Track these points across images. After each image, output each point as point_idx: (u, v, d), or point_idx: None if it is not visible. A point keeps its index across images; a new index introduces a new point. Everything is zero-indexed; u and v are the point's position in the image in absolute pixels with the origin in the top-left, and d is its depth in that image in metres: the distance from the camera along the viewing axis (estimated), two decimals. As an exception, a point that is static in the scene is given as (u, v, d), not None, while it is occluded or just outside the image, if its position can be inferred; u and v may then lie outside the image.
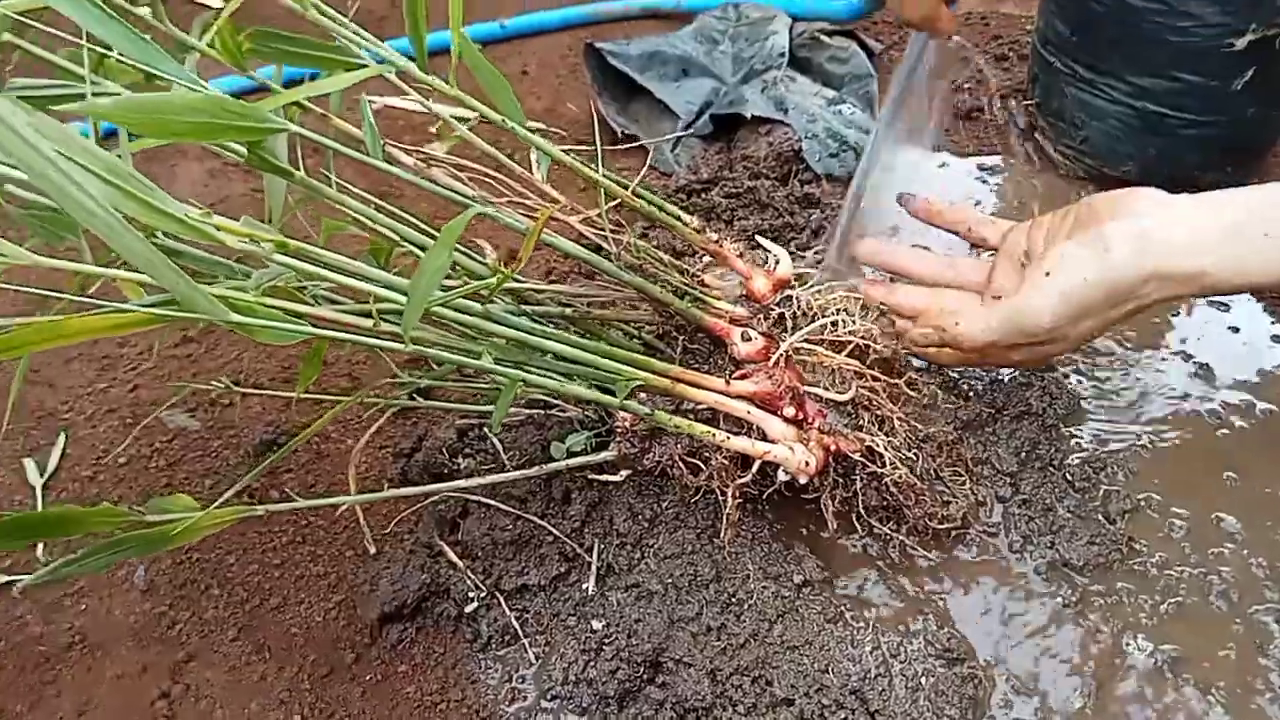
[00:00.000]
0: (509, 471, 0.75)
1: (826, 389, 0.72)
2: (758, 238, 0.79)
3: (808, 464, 0.70)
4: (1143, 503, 0.79)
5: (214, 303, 0.48)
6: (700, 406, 0.70)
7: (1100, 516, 0.78)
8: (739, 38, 1.30)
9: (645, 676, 0.70)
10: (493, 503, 0.78)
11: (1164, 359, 0.92)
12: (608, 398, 0.66)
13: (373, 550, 0.80)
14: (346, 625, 0.77)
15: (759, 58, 1.22)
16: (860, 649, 0.70)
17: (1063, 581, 0.75)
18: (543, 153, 0.71)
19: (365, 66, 0.61)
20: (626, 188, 0.74)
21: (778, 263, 0.75)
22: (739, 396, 0.70)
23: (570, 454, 0.77)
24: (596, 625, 0.73)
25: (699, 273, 0.79)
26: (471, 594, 0.76)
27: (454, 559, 0.77)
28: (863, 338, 0.73)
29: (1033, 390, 0.85)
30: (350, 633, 0.76)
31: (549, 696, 0.71)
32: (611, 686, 0.69)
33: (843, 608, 0.73)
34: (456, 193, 0.70)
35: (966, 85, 1.26)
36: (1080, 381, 0.90)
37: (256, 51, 0.57)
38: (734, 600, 0.72)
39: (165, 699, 0.73)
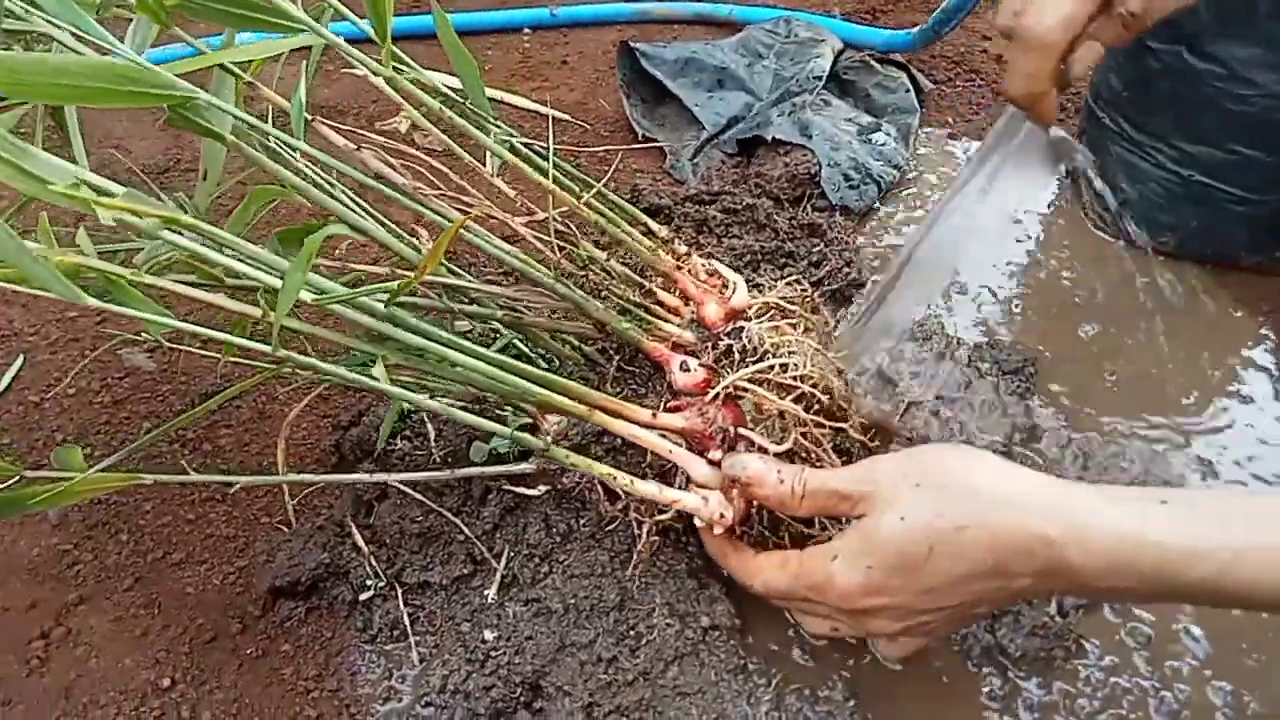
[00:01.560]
0: (429, 470, 0.71)
1: (765, 434, 0.67)
2: (713, 261, 0.73)
3: (723, 516, 0.64)
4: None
5: (61, 280, 0.45)
6: (620, 440, 0.66)
7: (1052, 607, 0.71)
8: (784, 55, 1.25)
9: (521, 699, 0.65)
10: (409, 491, 0.74)
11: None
12: (497, 427, 0.62)
13: (292, 523, 0.78)
14: (242, 593, 0.74)
15: (797, 79, 1.17)
16: (757, 708, 0.65)
17: (994, 672, 0.69)
18: (493, 147, 0.67)
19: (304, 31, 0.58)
20: (588, 190, 0.70)
21: (734, 290, 0.69)
22: (665, 431, 0.66)
23: (495, 455, 0.74)
24: (489, 635, 0.69)
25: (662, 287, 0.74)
26: (370, 581, 0.73)
27: (360, 543, 0.74)
28: (812, 386, 0.67)
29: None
30: (243, 601, 0.74)
31: (424, 703, 0.67)
32: (484, 704, 0.65)
33: (749, 660, 0.68)
34: (384, 181, 0.66)
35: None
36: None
37: (184, 8, 0.54)
38: (632, 633, 0.68)
39: (44, 639, 0.71)
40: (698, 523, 0.65)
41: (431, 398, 0.65)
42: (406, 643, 0.71)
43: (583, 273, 0.70)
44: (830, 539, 0.60)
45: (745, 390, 0.65)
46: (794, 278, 0.73)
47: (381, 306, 0.60)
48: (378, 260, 0.93)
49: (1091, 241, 1.05)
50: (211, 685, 0.69)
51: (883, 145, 1.11)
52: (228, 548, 0.77)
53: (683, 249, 0.74)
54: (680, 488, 0.64)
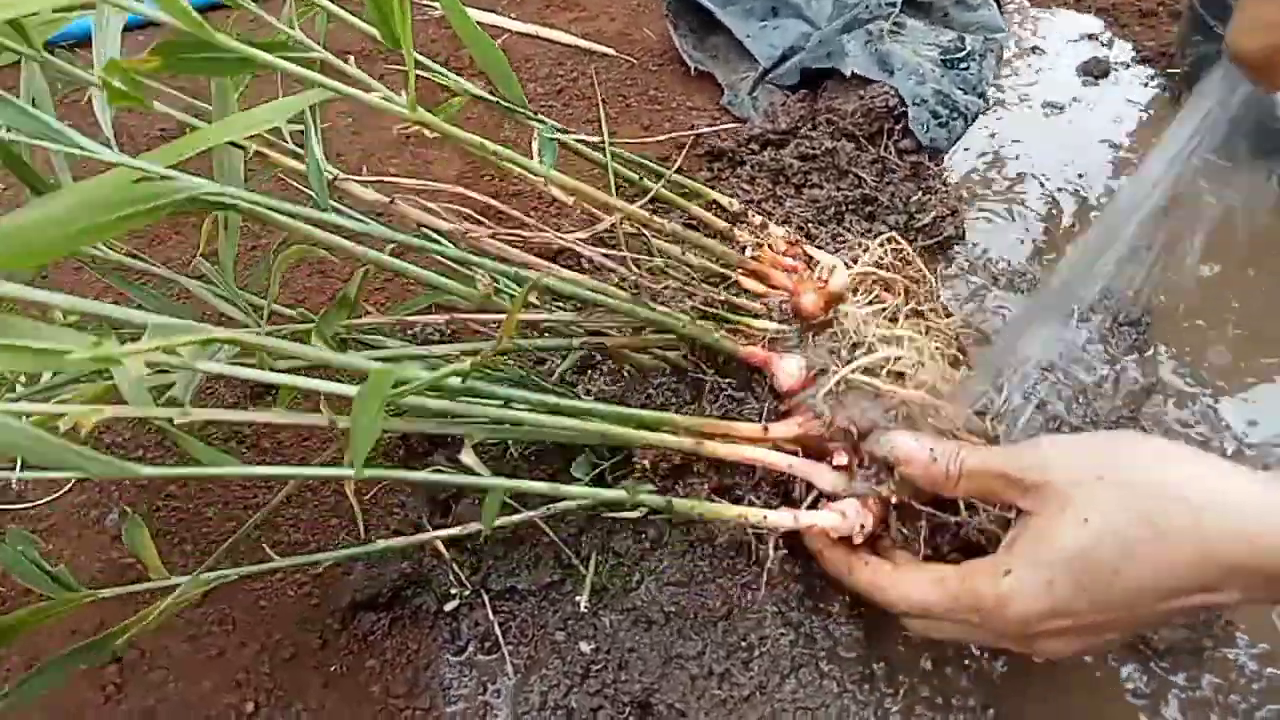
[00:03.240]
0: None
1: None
2: (806, 245, 0.65)
3: (862, 527, 0.58)
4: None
5: (97, 459, 0.39)
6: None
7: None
8: (846, -27, 1.14)
9: (631, 719, 0.61)
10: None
11: None
12: (609, 494, 0.56)
13: (362, 533, 0.73)
14: (318, 605, 0.70)
15: (866, 4, 1.07)
16: None
17: (1137, 667, 0.63)
18: (544, 140, 0.59)
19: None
20: (659, 175, 0.62)
21: (831, 273, 0.62)
22: (779, 442, 0.59)
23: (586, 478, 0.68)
24: (585, 648, 0.64)
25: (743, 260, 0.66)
26: (454, 590, 0.68)
27: (441, 548, 0.69)
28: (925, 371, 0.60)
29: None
30: (321, 615, 0.69)
31: (523, 720, 0.63)
32: (590, 726, 0.60)
33: (873, 668, 0.63)
34: (427, 233, 0.58)
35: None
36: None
37: (166, 68, 0.45)
38: (744, 644, 0.63)
39: (117, 663, 0.67)
40: (810, 541, 0.60)
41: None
42: (499, 655, 0.66)
43: (660, 283, 0.62)
44: (992, 554, 0.53)
45: (858, 385, 0.59)
46: (887, 235, 0.65)
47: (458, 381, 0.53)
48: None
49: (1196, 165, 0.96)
50: (298, 707, 0.65)
51: (967, 71, 1.01)
52: (299, 555, 0.72)
53: (758, 220, 0.67)
54: (801, 498, 0.58)
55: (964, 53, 1.03)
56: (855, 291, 0.65)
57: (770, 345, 0.62)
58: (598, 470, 0.68)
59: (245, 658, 0.67)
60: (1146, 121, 1.00)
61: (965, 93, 1.00)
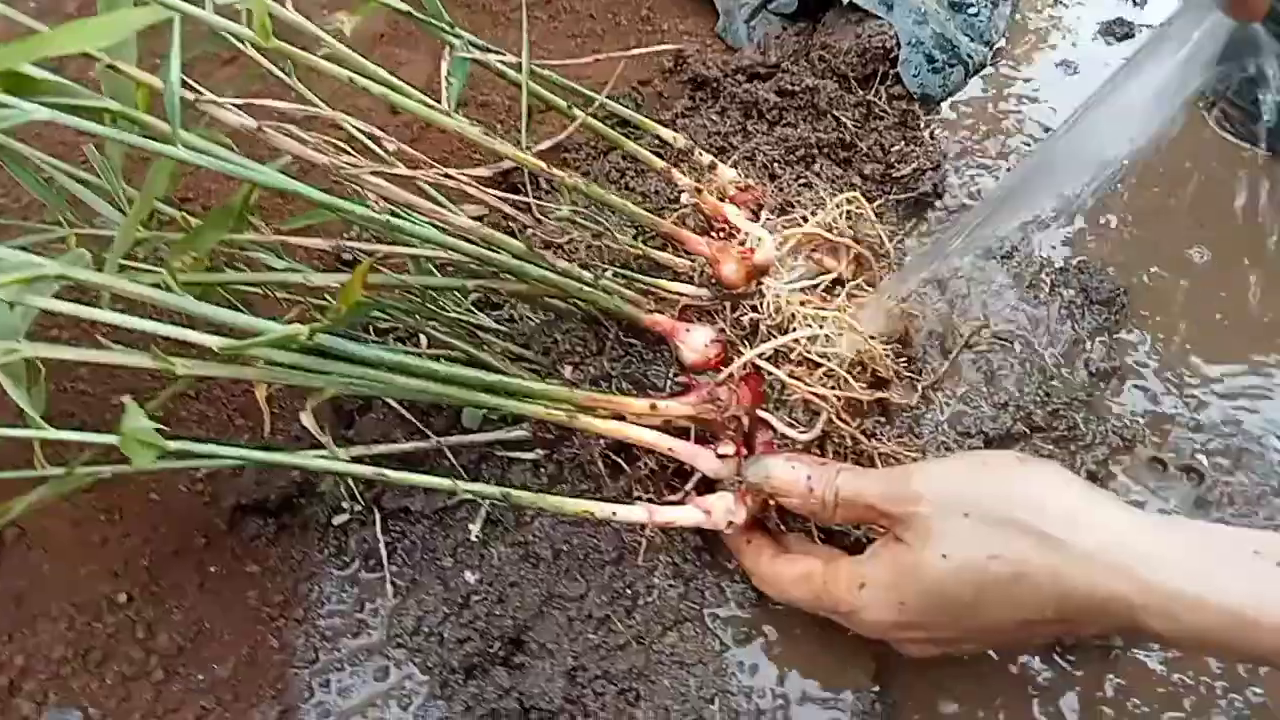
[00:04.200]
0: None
1: (790, 420, 0.56)
2: (730, 213, 0.60)
3: (731, 523, 0.55)
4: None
5: None
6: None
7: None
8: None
9: (500, 655, 0.58)
10: (397, 406, 0.66)
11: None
12: (433, 481, 0.52)
13: (267, 431, 0.70)
14: (209, 504, 0.67)
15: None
16: (764, 685, 0.57)
17: (1043, 659, 0.60)
18: (457, 60, 0.54)
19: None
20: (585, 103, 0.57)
21: (758, 244, 0.57)
22: (673, 419, 0.56)
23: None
24: (470, 577, 0.62)
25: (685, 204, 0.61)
26: (346, 504, 0.65)
27: (339, 455, 0.66)
28: (854, 364, 0.56)
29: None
30: (209, 514, 0.67)
31: (395, 643, 0.61)
32: (458, 656, 0.58)
33: (764, 630, 0.60)
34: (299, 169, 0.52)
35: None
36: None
37: None
38: (630, 591, 0.60)
39: (-3, 539, 0.65)
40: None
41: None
42: (382, 573, 0.64)
43: (565, 236, 0.57)
44: (864, 550, 0.51)
45: (766, 370, 0.55)
46: (848, 196, 0.60)
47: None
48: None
49: (1214, 143, 0.89)
50: (171, 604, 0.63)
51: (976, 17, 0.94)
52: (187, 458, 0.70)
53: (706, 159, 0.62)
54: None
55: (973, -2, 0.96)
56: (798, 253, 0.60)
57: (683, 313, 0.57)
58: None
59: (127, 549, 0.65)
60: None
61: (971, 40, 0.93)
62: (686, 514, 0.54)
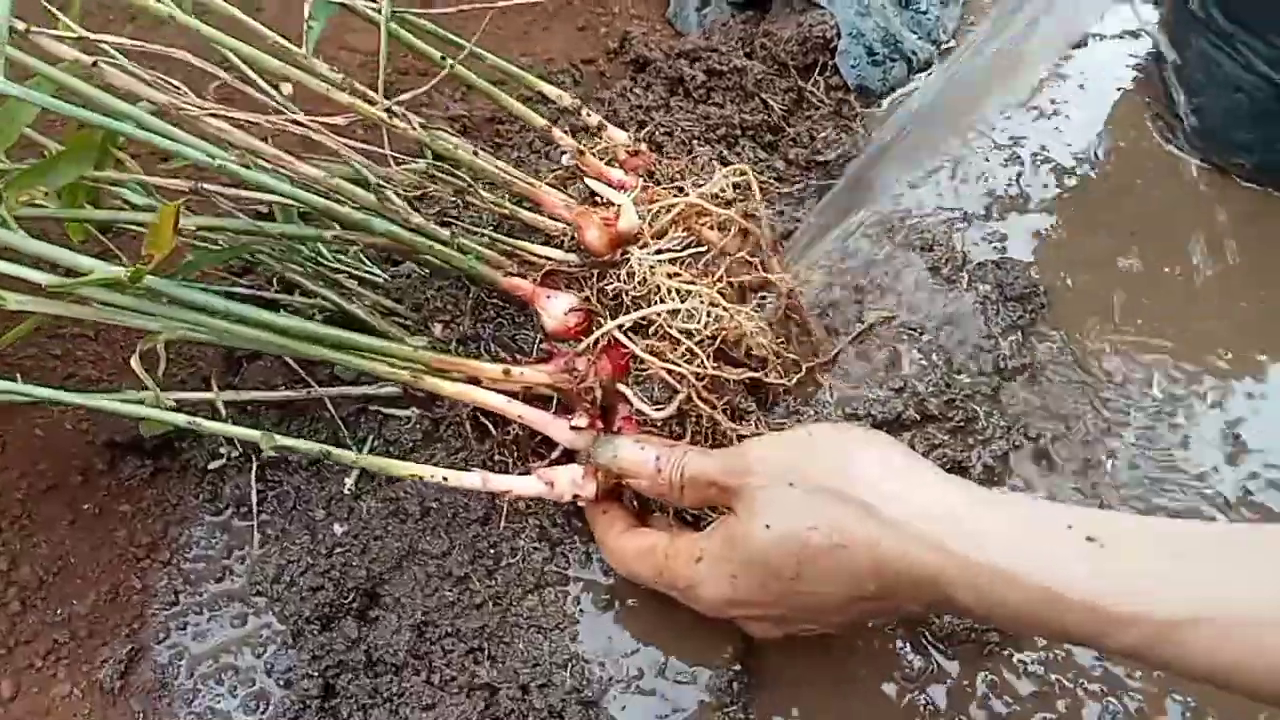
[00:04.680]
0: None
1: (647, 397, 0.54)
2: (590, 180, 0.59)
3: (578, 497, 0.54)
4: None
5: None
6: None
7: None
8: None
9: (354, 606, 0.57)
10: (286, 355, 0.65)
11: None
12: (242, 431, 0.52)
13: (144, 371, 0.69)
14: (91, 443, 0.67)
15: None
16: (621, 654, 0.56)
17: (912, 648, 0.59)
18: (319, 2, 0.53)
19: None
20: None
21: (619, 213, 0.56)
22: (529, 387, 0.55)
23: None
24: (338, 529, 0.61)
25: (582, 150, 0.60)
26: (224, 449, 0.64)
27: (220, 407, 0.65)
28: (712, 336, 0.54)
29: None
30: (90, 452, 0.66)
31: (255, 591, 0.60)
32: (310, 606, 0.57)
33: (627, 602, 0.58)
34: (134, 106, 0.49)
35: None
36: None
37: None
38: (493, 551, 0.59)
39: (-128, 466, 0.65)
40: None
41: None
42: (253, 520, 0.63)
43: (420, 191, 0.56)
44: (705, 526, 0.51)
45: (626, 341, 0.54)
46: (737, 168, 0.59)
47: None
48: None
49: (1154, 153, 0.88)
50: (39, 539, 0.62)
51: (924, 13, 0.94)
52: (89, 389, 0.69)
53: (595, 120, 0.61)
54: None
55: (926, -7, 0.95)
56: (678, 225, 0.58)
57: (549, 279, 0.56)
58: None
59: (3, 480, 0.64)
60: (1107, 104, 0.92)
61: (917, 36, 0.93)
62: (525, 484, 0.53)
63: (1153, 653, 0.37)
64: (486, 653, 0.55)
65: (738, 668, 0.56)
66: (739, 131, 0.78)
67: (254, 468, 0.64)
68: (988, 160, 0.85)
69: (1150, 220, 0.82)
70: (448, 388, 0.53)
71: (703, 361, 0.53)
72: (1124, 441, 0.68)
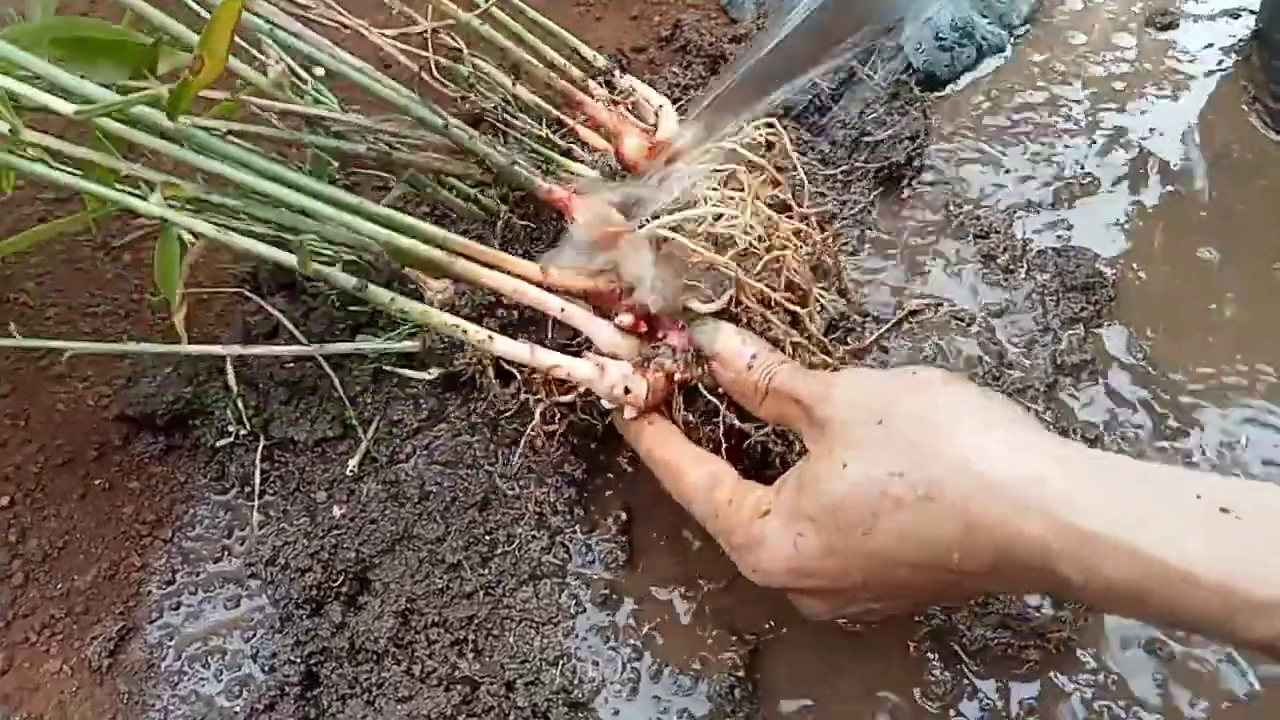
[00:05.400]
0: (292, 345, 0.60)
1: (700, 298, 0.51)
2: (630, 78, 0.57)
3: (628, 391, 0.50)
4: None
5: None
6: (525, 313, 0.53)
7: (1037, 595, 0.54)
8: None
9: (343, 591, 0.55)
10: (295, 333, 0.64)
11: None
12: (286, 256, 0.48)
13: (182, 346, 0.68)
14: (109, 419, 0.66)
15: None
16: (617, 654, 0.52)
17: (941, 662, 0.53)
18: None
19: None
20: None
21: (658, 119, 0.53)
22: (561, 290, 0.51)
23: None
24: (337, 512, 0.59)
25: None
26: (232, 428, 0.63)
27: (231, 382, 0.64)
28: (758, 238, 0.51)
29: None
30: (107, 426, 0.66)
31: (251, 573, 0.58)
32: (298, 588, 0.55)
33: (627, 598, 0.55)
34: None
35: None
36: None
37: None
38: (489, 538, 0.56)
39: (-98, 435, 0.66)
40: (604, 404, 0.52)
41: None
42: (254, 502, 0.61)
43: (468, 100, 0.54)
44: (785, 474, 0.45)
45: (669, 238, 0.50)
46: (766, 121, 0.55)
47: (168, 122, 0.47)
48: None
49: (1251, 141, 0.80)
50: (49, 512, 0.62)
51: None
52: (113, 368, 0.69)
53: (626, 83, 0.58)
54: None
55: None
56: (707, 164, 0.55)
57: (576, 195, 0.54)
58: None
59: (23, 454, 0.65)
60: (1201, 88, 0.84)
61: (989, 21, 0.87)
62: (576, 363, 0.50)
63: None
64: (472, 645, 0.52)
65: (740, 674, 0.51)
66: (781, 112, 0.74)
67: (260, 446, 0.62)
68: (1058, 144, 0.79)
69: (1241, 213, 0.74)
70: (485, 275, 0.50)
71: (751, 264, 0.50)
72: (1196, 450, 0.60)
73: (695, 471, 0.48)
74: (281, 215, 0.50)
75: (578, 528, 0.56)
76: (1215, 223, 0.73)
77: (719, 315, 0.50)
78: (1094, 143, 0.79)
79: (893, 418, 0.40)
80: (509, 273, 0.51)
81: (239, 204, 0.49)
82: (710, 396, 0.50)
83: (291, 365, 0.63)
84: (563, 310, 0.51)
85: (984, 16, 0.87)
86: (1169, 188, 0.76)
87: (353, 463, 0.60)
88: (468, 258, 0.50)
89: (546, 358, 0.50)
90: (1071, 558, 0.34)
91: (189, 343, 0.62)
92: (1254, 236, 0.72)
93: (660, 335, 0.52)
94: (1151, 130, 0.80)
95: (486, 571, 0.54)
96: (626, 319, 0.51)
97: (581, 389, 0.52)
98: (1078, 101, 0.83)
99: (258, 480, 0.61)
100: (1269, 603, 0.31)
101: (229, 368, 0.65)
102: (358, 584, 0.55)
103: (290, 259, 0.48)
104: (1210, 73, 0.85)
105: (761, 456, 0.51)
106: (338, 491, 0.60)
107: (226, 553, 0.60)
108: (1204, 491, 0.34)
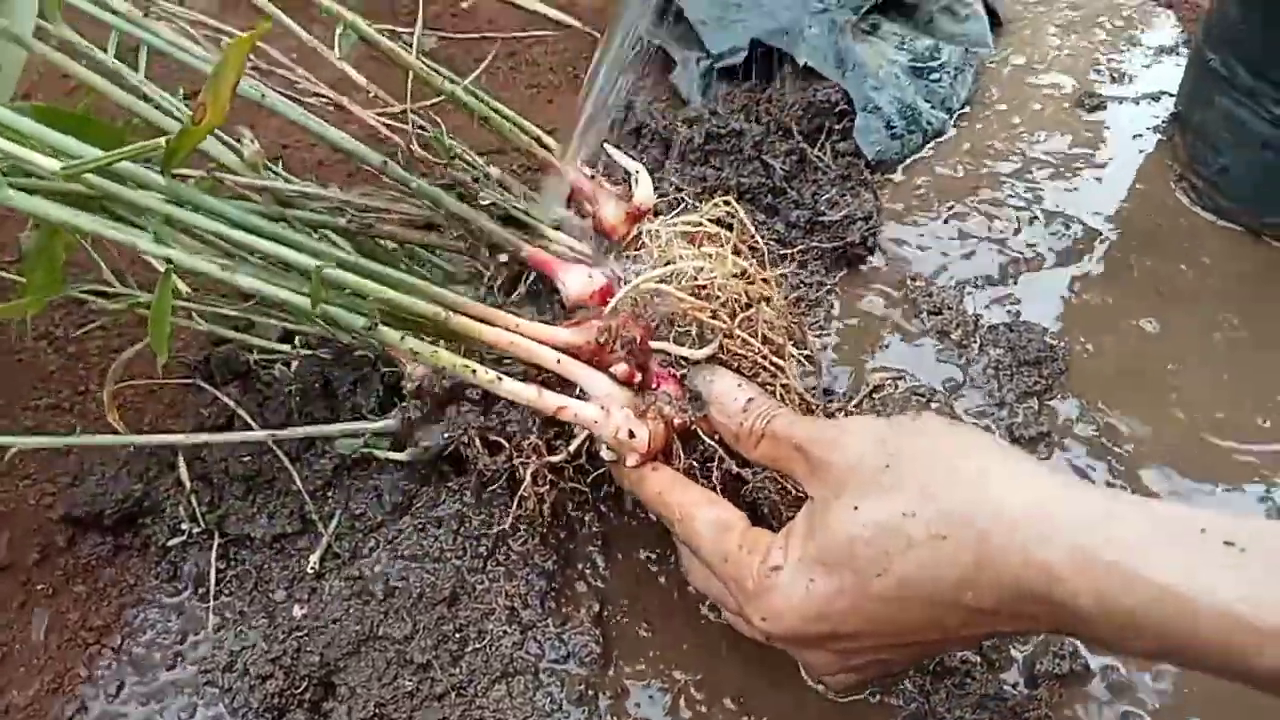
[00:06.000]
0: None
1: (682, 345, 0.52)
2: (606, 145, 0.59)
3: (632, 435, 0.50)
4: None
5: None
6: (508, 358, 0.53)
7: (1014, 673, 0.54)
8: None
9: (306, 697, 0.53)
10: (251, 424, 0.62)
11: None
12: (298, 299, 0.48)
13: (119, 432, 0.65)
14: (53, 519, 0.64)
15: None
16: (595, 752, 0.51)
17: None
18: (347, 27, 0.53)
19: None
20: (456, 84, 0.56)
21: (636, 185, 0.55)
22: (551, 346, 0.52)
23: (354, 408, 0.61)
24: (298, 612, 0.57)
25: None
26: (185, 525, 0.61)
27: (184, 476, 0.62)
28: (735, 293, 0.52)
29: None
30: (51, 527, 0.63)
31: (206, 680, 0.55)
32: (258, 696, 0.52)
33: (605, 693, 0.53)
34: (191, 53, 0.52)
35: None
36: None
37: None
38: (459, 635, 0.54)
39: None
40: (604, 454, 0.51)
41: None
42: (209, 604, 0.59)
43: (449, 173, 0.55)
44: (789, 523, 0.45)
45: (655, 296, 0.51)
46: (722, 199, 0.57)
47: (159, 179, 0.47)
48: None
49: (1178, 214, 0.84)
50: (-13, 621, 0.59)
51: (938, 83, 0.92)
52: (57, 465, 0.67)
53: (589, 171, 0.59)
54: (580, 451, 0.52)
55: (938, 63, 0.93)
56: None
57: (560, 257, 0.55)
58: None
59: (-42, 561, 0.62)
60: (1129, 166, 0.88)
61: (932, 106, 0.90)
62: (585, 407, 0.50)
63: None
64: (445, 750, 0.50)
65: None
66: (737, 194, 0.75)
67: (215, 544, 0.60)
68: (1001, 220, 0.82)
69: (1175, 282, 0.77)
70: (481, 331, 0.50)
71: (732, 312, 0.51)
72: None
73: (706, 515, 0.47)
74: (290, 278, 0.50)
75: (550, 621, 0.55)
76: (1152, 295, 0.76)
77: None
78: (1035, 218, 0.83)
79: (900, 460, 0.41)
80: (504, 328, 0.51)
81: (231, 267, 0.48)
82: (710, 441, 0.51)
83: (248, 459, 0.61)
84: (559, 361, 0.51)
85: (928, 102, 0.91)
86: (1107, 261, 0.79)
87: (313, 559, 0.58)
88: (464, 314, 0.50)
89: (553, 399, 0.50)
90: (1089, 588, 0.35)
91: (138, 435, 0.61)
92: (1189, 306, 0.75)
93: (655, 385, 0.52)
94: (1086, 207, 0.84)
95: (457, 671, 0.53)
96: (622, 369, 0.51)
97: (573, 448, 0.52)
98: (1017, 179, 0.87)
99: (213, 580, 0.59)
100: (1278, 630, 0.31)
101: (181, 460, 0.63)
102: (322, 689, 0.53)
103: (299, 300, 0.47)
104: (1140, 151, 0.90)
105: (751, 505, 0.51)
106: (298, 590, 0.58)
107: (180, 659, 0.57)
108: (1207, 526, 0.35)
